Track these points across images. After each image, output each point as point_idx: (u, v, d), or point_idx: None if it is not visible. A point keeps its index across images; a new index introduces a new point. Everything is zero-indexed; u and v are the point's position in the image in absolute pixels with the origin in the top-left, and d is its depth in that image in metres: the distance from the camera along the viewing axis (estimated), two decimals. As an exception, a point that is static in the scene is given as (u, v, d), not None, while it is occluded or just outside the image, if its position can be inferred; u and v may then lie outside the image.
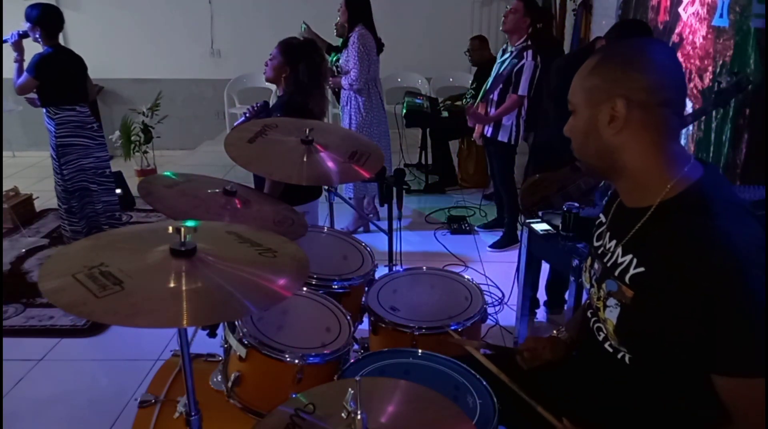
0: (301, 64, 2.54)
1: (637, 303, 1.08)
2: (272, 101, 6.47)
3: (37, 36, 3.35)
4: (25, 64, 3.41)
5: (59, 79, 3.41)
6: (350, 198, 4.16)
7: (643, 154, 1.08)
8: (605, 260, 1.18)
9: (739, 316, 0.95)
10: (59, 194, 3.62)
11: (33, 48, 3.41)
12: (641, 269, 1.07)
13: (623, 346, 1.15)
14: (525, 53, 3.52)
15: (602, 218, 1.29)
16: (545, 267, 2.77)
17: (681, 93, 1.09)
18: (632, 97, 1.05)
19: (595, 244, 1.26)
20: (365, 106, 3.96)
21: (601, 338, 1.21)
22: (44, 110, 3.47)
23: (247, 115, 2.72)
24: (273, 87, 6.52)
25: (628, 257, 1.10)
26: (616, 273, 1.12)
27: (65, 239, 3.80)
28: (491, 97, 3.75)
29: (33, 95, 3.52)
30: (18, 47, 3.41)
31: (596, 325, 1.23)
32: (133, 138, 5.33)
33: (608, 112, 1.07)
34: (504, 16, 3.62)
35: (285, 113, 2.49)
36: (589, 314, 1.27)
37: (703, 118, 2.67)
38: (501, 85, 3.67)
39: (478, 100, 3.90)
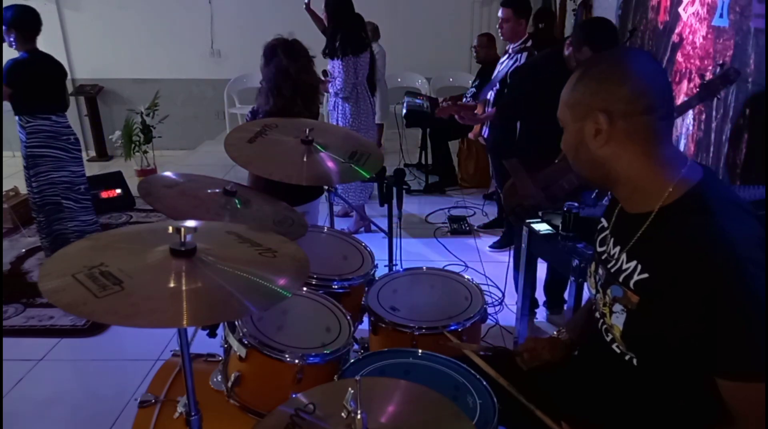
0: (269, 66, 2.49)
1: (642, 308, 1.07)
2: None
3: (11, 40, 3.10)
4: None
5: (34, 87, 3.17)
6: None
7: (633, 162, 1.09)
8: (609, 266, 1.18)
9: (739, 317, 0.95)
10: (31, 206, 3.42)
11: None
12: (645, 275, 1.07)
13: (631, 351, 1.15)
14: (519, 55, 3.51)
15: (604, 223, 1.29)
16: (541, 267, 2.76)
17: (664, 97, 1.08)
18: (611, 109, 1.06)
19: (599, 249, 1.26)
20: (352, 112, 3.95)
21: (608, 339, 1.21)
22: (17, 118, 3.24)
23: (248, 118, 2.74)
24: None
25: (633, 263, 1.10)
26: (621, 279, 1.12)
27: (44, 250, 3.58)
28: (487, 97, 3.75)
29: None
30: None
31: (604, 327, 1.23)
32: (133, 138, 5.33)
33: (593, 125, 1.08)
34: (499, 26, 3.61)
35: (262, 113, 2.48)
36: (597, 315, 1.27)
37: (703, 117, 2.67)
38: (497, 87, 3.66)
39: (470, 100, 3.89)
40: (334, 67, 3.84)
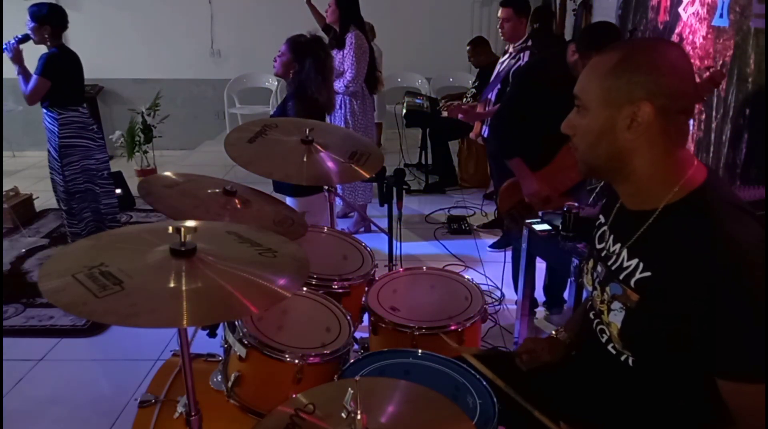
0: (308, 60, 2.62)
1: (642, 307, 1.07)
2: (271, 101, 6.48)
3: (45, 35, 3.27)
4: (30, 69, 3.30)
5: (67, 79, 3.36)
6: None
7: (654, 159, 1.06)
8: (609, 263, 1.17)
9: (739, 318, 0.95)
10: (60, 195, 3.56)
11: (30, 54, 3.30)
12: (647, 274, 1.06)
13: (627, 349, 1.14)
14: (522, 54, 3.50)
15: (602, 219, 1.28)
16: (540, 267, 2.76)
17: (695, 100, 1.08)
18: (655, 102, 1.02)
19: (598, 246, 1.25)
20: (360, 108, 3.92)
21: (604, 340, 1.20)
22: (45, 111, 3.39)
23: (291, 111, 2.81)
24: (273, 87, 6.55)
25: (634, 261, 1.09)
26: (621, 277, 1.11)
27: (69, 240, 3.71)
28: (489, 97, 3.75)
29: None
30: (17, 56, 3.27)
31: (599, 327, 1.22)
32: (134, 138, 5.33)
33: (629, 115, 1.04)
34: (500, 27, 3.61)
35: (297, 104, 2.60)
36: (591, 316, 1.26)
37: (703, 116, 2.67)
38: (499, 86, 3.66)
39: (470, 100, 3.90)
40: (345, 60, 3.77)
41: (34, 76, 3.25)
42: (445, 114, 4.98)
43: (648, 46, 1.09)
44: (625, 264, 1.12)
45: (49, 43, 3.32)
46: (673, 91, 1.02)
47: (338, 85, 3.81)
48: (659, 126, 1.04)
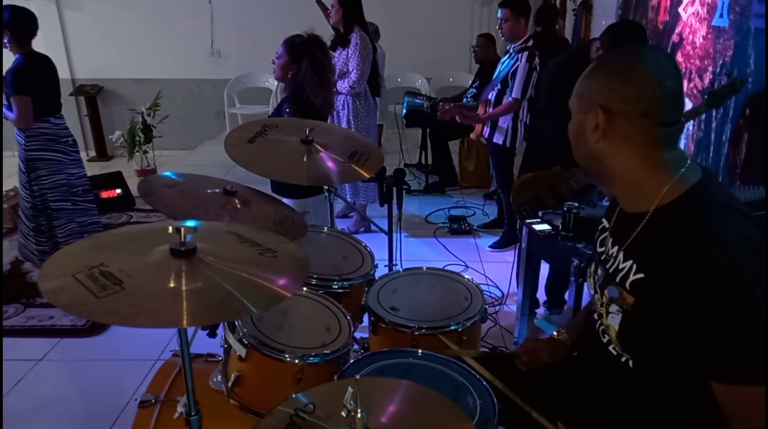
0: (304, 61, 2.57)
1: (637, 309, 1.07)
2: (271, 101, 6.47)
3: (6, 41, 2.98)
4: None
5: (33, 91, 3.05)
6: (353, 202, 4.17)
7: (627, 162, 1.08)
8: (608, 266, 1.18)
9: (737, 321, 0.94)
10: (25, 211, 3.32)
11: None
12: (641, 275, 1.06)
13: (626, 352, 1.14)
14: (520, 55, 3.50)
15: (605, 223, 1.28)
16: (545, 267, 2.77)
17: (669, 105, 1.04)
18: (612, 107, 1.05)
19: (599, 249, 1.26)
20: (363, 109, 3.91)
21: (605, 341, 1.21)
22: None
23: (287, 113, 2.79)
24: (273, 86, 6.54)
25: (629, 263, 1.10)
26: (617, 279, 1.12)
27: (31, 260, 3.47)
28: (489, 97, 3.75)
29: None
30: None
31: (601, 328, 1.22)
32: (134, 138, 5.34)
33: (593, 119, 1.08)
34: (499, 27, 3.61)
35: (293, 107, 2.55)
36: (594, 316, 1.27)
37: (703, 117, 2.67)
38: (498, 87, 3.66)
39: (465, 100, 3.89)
40: (349, 60, 3.75)
41: (12, 99, 2.97)
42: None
43: (618, 53, 1.10)
44: (621, 266, 1.12)
45: (9, 49, 2.99)
46: (628, 96, 1.03)
47: (342, 85, 3.79)
48: (622, 130, 1.06)
